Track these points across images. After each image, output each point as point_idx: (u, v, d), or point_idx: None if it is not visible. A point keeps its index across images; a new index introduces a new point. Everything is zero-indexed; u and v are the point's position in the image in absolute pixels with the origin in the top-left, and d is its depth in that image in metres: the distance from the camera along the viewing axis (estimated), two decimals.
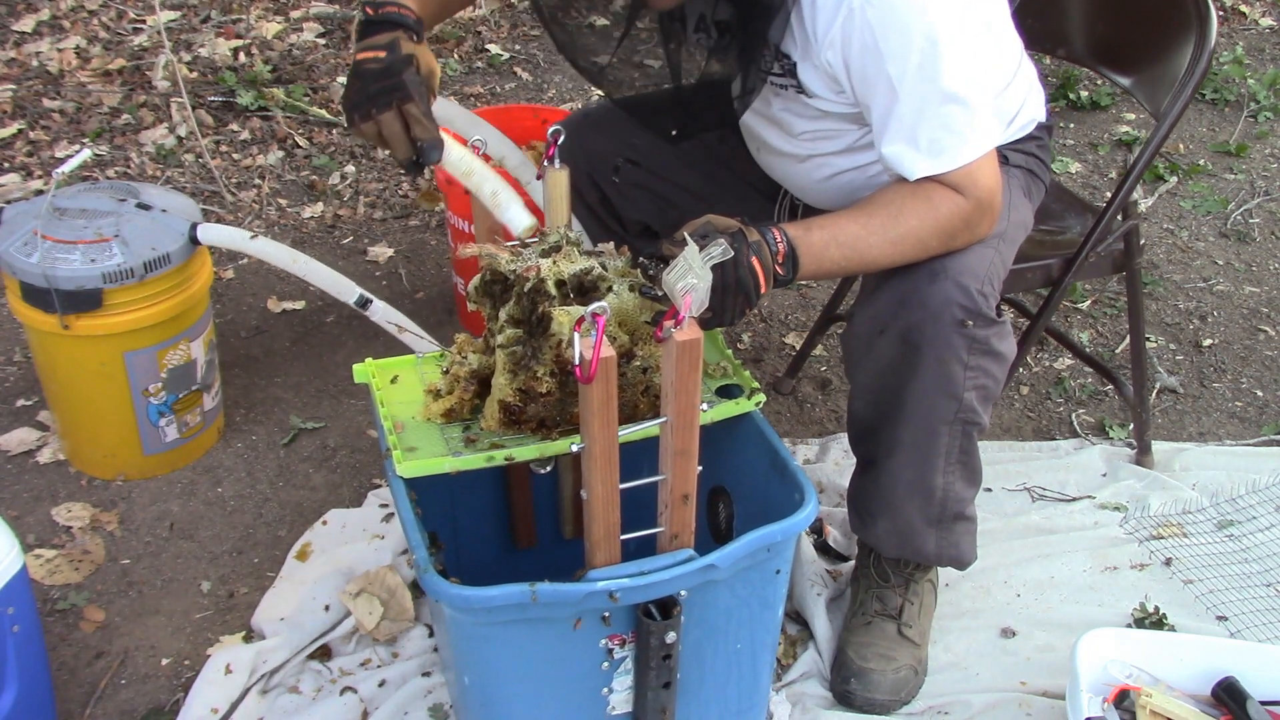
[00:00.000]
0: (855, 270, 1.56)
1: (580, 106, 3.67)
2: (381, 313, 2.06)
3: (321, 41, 3.87)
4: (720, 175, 1.97)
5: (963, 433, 1.64)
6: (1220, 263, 3.03)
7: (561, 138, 1.60)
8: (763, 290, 1.43)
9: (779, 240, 1.45)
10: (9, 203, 2.76)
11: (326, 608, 1.90)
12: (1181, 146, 3.58)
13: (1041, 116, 1.87)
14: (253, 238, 2.07)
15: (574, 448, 1.31)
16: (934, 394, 1.60)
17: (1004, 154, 1.79)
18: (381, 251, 2.92)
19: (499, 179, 1.55)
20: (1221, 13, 2.90)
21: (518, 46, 3.99)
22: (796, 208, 1.94)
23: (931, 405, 1.61)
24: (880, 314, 1.60)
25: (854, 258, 1.52)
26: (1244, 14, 4.45)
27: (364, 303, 2.05)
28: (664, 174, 1.97)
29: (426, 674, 1.80)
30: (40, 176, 3.08)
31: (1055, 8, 2.15)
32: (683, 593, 1.38)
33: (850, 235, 1.51)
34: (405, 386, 1.58)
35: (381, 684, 1.78)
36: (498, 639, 1.36)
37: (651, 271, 1.38)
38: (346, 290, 2.06)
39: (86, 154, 2.10)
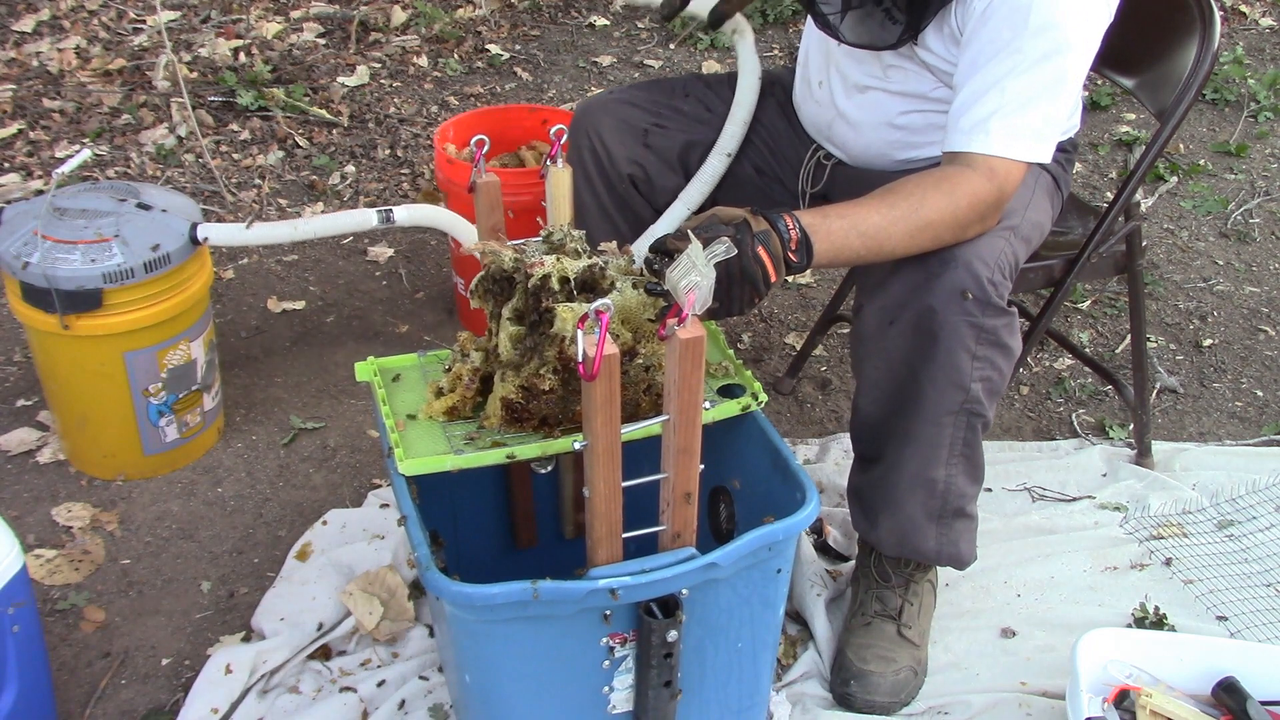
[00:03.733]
0: (871, 260, 1.57)
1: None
2: (406, 215, 2.09)
3: (321, 41, 3.88)
4: (749, 136, 1.99)
5: (967, 425, 1.65)
6: (1220, 263, 3.04)
7: (568, 135, 1.60)
8: (773, 279, 1.42)
9: (791, 227, 1.45)
10: (9, 203, 2.76)
11: (326, 609, 1.90)
12: (1182, 146, 3.58)
13: (1075, 130, 1.91)
14: (248, 227, 2.07)
15: (576, 445, 1.31)
16: (942, 384, 1.60)
17: None
18: (381, 251, 2.92)
19: None
20: (1222, 13, 2.89)
21: (518, 46, 3.99)
22: (822, 170, 1.95)
23: (939, 395, 1.61)
24: (891, 305, 1.60)
25: (873, 247, 1.53)
26: (1244, 14, 4.46)
27: (387, 218, 2.07)
28: (691, 135, 1.98)
29: (424, 677, 1.80)
30: (40, 176, 3.08)
31: None
32: (684, 591, 1.38)
33: (872, 225, 1.51)
34: (407, 385, 1.58)
35: (381, 684, 1.78)
36: (499, 637, 1.36)
37: (656, 266, 1.38)
38: (364, 220, 2.08)
39: (86, 154, 2.10)
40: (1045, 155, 1.60)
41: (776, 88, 2.03)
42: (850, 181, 1.88)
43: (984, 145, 1.57)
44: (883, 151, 1.84)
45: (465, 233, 2.10)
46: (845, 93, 1.85)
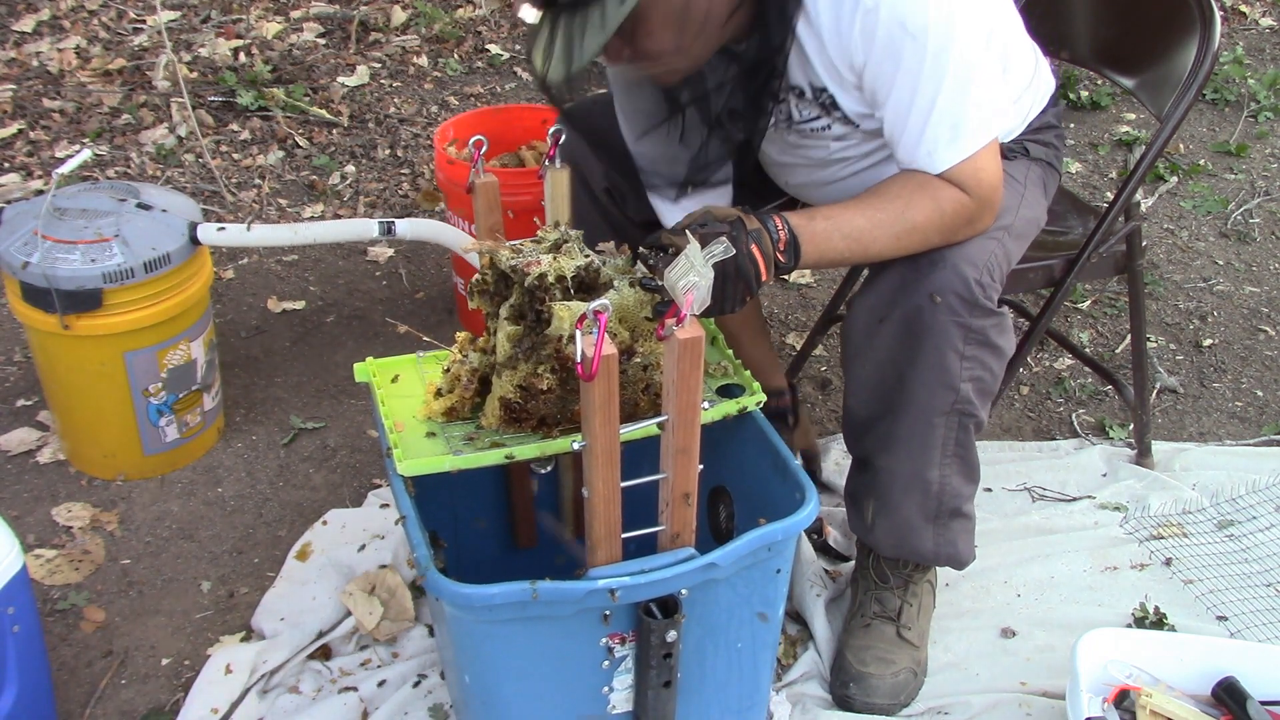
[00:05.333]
0: (857, 261, 1.57)
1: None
2: (410, 229, 2.05)
3: (321, 41, 3.88)
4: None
5: (959, 425, 1.64)
6: (1220, 263, 3.03)
7: (564, 136, 1.60)
8: (764, 278, 1.43)
9: (780, 228, 1.46)
10: (9, 203, 2.76)
11: (326, 609, 1.90)
12: (1182, 146, 3.58)
13: (1051, 93, 1.86)
14: (248, 229, 2.07)
15: (575, 446, 1.31)
16: (931, 384, 1.60)
17: (1025, 146, 1.80)
18: (381, 251, 2.92)
19: None
20: (1222, 13, 2.88)
21: (518, 46, 3.99)
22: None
23: (928, 396, 1.61)
24: (880, 304, 1.60)
25: (858, 250, 1.53)
26: (1244, 14, 4.46)
27: (388, 229, 2.04)
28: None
29: (423, 675, 1.80)
30: (40, 176, 3.08)
31: (1059, 11, 2.15)
32: (683, 591, 1.38)
33: (856, 228, 1.52)
34: (406, 385, 1.58)
35: (381, 684, 1.78)
36: (498, 637, 1.36)
37: (651, 261, 1.38)
38: (365, 229, 2.06)
39: (86, 154, 2.10)
40: (1001, 127, 1.56)
41: None
42: None
43: (930, 166, 1.54)
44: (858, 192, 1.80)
45: (467, 246, 2.09)
46: (819, 188, 1.80)
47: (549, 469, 1.55)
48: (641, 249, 1.41)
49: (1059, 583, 2.03)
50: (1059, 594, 2.01)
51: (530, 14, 1.46)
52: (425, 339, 2.62)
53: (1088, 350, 2.64)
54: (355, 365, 1.60)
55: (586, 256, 1.43)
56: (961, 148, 1.52)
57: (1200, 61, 1.87)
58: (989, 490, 2.20)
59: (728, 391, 1.56)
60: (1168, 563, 2.08)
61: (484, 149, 1.60)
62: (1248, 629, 1.94)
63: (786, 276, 2.18)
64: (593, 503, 1.32)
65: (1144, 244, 2.47)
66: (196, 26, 3.88)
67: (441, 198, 2.94)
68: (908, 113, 1.52)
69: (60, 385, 2.12)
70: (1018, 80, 1.76)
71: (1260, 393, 2.58)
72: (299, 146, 3.32)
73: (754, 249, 1.41)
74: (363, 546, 2.02)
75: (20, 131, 3.27)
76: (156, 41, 3.69)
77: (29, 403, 2.38)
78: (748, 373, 1.58)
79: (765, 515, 1.44)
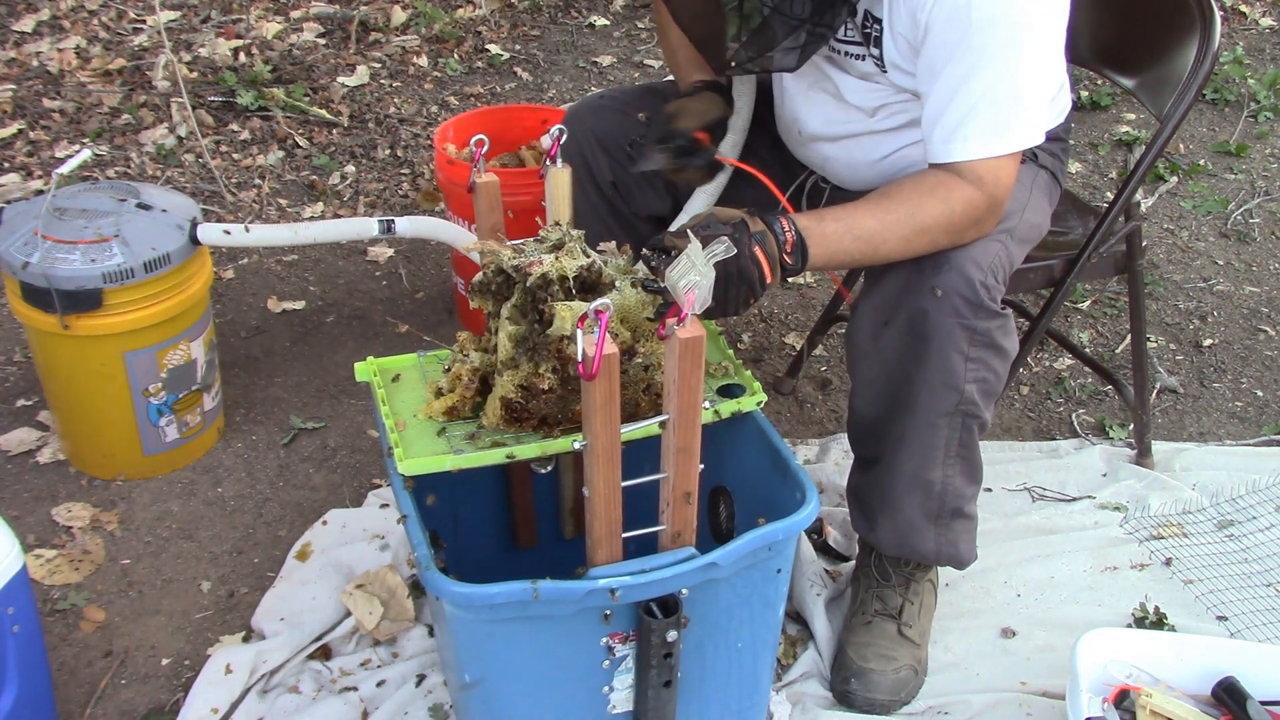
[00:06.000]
0: (867, 263, 1.57)
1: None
2: (410, 226, 2.06)
3: (321, 41, 3.88)
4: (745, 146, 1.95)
5: (963, 426, 1.64)
6: (1220, 263, 3.04)
7: (565, 137, 1.60)
8: (768, 280, 1.43)
9: (787, 230, 1.46)
10: (9, 203, 2.76)
11: (326, 609, 1.90)
12: (1182, 146, 3.58)
13: (1065, 114, 1.88)
14: (247, 230, 2.07)
15: (576, 445, 1.31)
16: (936, 386, 1.60)
17: (1033, 152, 1.80)
18: (381, 251, 2.92)
19: None
20: (1222, 13, 2.83)
21: (518, 46, 4.00)
22: (819, 192, 1.93)
23: (933, 397, 1.61)
24: (884, 306, 1.60)
25: (868, 251, 1.53)
26: (1244, 14, 4.46)
27: (388, 227, 2.04)
28: None
29: (423, 675, 1.80)
30: (40, 176, 3.08)
31: None
32: (684, 591, 1.38)
33: (866, 229, 1.52)
34: (406, 385, 1.58)
35: (381, 684, 1.78)
36: (499, 637, 1.36)
37: (653, 263, 1.38)
38: (365, 228, 2.06)
39: (86, 154, 2.10)
40: (1032, 140, 1.57)
41: (766, 111, 1.97)
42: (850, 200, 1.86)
43: (963, 152, 1.54)
44: (884, 179, 1.81)
45: (467, 244, 2.10)
46: (832, 143, 1.81)
47: (549, 468, 1.55)
48: (644, 251, 1.41)
49: (1059, 583, 2.03)
50: (1059, 594, 2.01)
51: None
52: (426, 339, 2.62)
53: (1088, 350, 2.64)
54: (356, 365, 1.60)
55: (588, 257, 1.43)
56: (998, 144, 1.53)
57: (1200, 61, 1.88)
58: (989, 490, 2.21)
59: (728, 391, 1.56)
60: (1168, 563, 2.08)
61: (485, 149, 1.60)
62: (1248, 629, 1.94)
63: (800, 276, 2.17)
64: (593, 502, 1.33)
65: (1144, 244, 2.47)
66: (196, 26, 3.88)
67: (441, 198, 2.94)
68: (956, 90, 1.52)
69: (60, 385, 2.12)
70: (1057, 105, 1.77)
71: (1260, 393, 2.58)
72: (299, 146, 3.32)
73: (757, 251, 1.41)
74: (362, 546, 2.02)
75: (20, 131, 3.27)
76: (156, 41, 3.69)
77: (29, 403, 2.38)
78: (748, 373, 1.58)
79: (765, 515, 1.44)
